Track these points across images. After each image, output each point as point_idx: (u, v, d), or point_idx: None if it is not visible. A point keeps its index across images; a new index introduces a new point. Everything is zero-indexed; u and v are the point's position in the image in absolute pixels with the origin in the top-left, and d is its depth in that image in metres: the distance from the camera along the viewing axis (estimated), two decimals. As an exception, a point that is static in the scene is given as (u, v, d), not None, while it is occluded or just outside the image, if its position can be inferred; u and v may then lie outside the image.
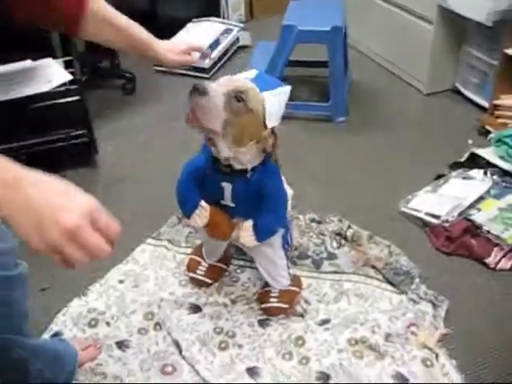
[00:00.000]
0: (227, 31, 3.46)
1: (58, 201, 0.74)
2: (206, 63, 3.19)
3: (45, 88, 2.25)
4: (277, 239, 1.72)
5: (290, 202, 1.81)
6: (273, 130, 1.50)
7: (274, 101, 1.45)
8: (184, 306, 1.85)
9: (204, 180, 1.61)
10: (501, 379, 1.61)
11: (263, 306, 1.83)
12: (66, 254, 0.73)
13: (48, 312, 1.84)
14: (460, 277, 1.95)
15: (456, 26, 2.79)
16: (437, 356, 1.65)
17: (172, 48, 1.58)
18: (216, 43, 3.33)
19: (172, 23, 3.56)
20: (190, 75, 3.25)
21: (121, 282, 1.95)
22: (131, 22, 1.48)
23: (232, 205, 1.62)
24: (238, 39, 3.50)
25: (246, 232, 1.62)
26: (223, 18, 3.77)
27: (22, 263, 1.24)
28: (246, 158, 1.50)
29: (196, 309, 1.84)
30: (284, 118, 2.78)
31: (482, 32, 2.70)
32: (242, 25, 3.61)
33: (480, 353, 1.69)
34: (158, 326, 1.78)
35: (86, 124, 2.41)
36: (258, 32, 3.69)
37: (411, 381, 1.60)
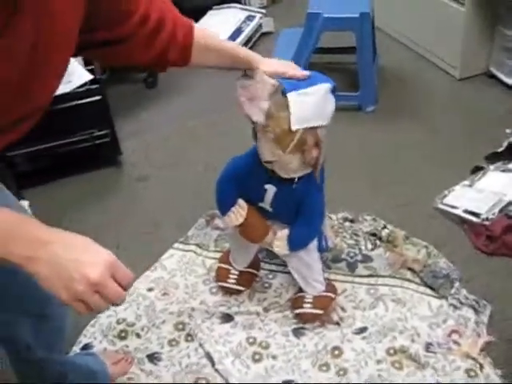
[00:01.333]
0: (249, 18, 3.35)
1: (82, 257, 0.80)
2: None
3: (65, 89, 2.19)
4: (312, 241, 1.66)
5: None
6: (318, 143, 1.41)
7: (308, 99, 1.36)
8: (215, 316, 1.80)
9: (247, 179, 1.58)
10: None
11: (297, 311, 1.77)
12: (90, 303, 0.80)
13: (77, 323, 1.81)
14: (502, 279, 1.85)
15: (489, 7, 2.64)
16: (481, 366, 1.58)
17: (272, 65, 1.46)
18: (238, 31, 3.22)
19: (192, 11, 3.43)
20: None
21: (150, 290, 1.91)
22: (230, 43, 1.51)
23: (270, 209, 1.59)
24: (260, 26, 3.38)
25: (280, 241, 1.60)
26: (244, 3, 3.66)
27: None
28: (289, 166, 1.45)
29: (228, 318, 1.79)
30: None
31: (518, 12, 2.56)
32: (264, 11, 3.49)
33: (527, 362, 1.61)
34: (189, 336, 1.74)
35: (109, 124, 2.35)
36: (281, 17, 3.57)
37: (454, 393, 1.54)
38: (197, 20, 3.41)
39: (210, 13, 3.46)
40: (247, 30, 3.24)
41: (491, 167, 2.19)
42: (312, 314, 1.74)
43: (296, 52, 2.62)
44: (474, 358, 1.60)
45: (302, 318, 1.76)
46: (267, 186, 1.54)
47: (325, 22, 2.47)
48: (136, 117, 2.83)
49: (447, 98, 2.81)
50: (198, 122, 2.75)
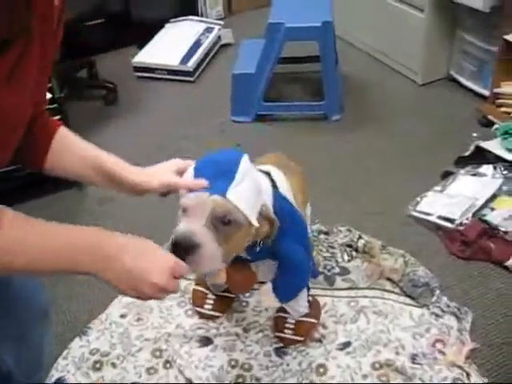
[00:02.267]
0: (208, 30, 3.30)
1: (146, 265, 0.95)
2: (190, 66, 3.04)
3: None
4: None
5: (308, 220, 1.71)
6: (265, 215, 1.25)
7: (241, 192, 1.15)
8: (194, 339, 1.73)
9: None
10: (538, 395, 1.53)
11: (277, 334, 1.71)
12: (154, 298, 1.00)
13: (47, 356, 1.71)
14: (480, 284, 1.85)
15: (448, 13, 2.68)
16: (468, 375, 1.56)
17: (153, 175, 1.24)
18: (197, 44, 3.18)
19: (148, 25, 3.39)
20: (173, 79, 3.10)
21: (123, 316, 1.82)
22: (96, 151, 1.20)
23: (248, 257, 1.42)
24: (219, 37, 3.35)
25: (265, 296, 1.59)
26: (201, 15, 3.61)
27: None
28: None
29: (207, 341, 1.72)
30: (278, 119, 2.72)
31: (476, 17, 2.59)
32: (222, 22, 3.45)
33: (512, 366, 1.60)
34: (167, 363, 1.66)
35: (70, 144, 2.25)
36: (239, 28, 3.55)
37: (443, 403, 1.51)
38: (154, 34, 3.35)
39: (167, 26, 3.40)
40: (206, 43, 3.20)
41: (461, 172, 2.20)
42: (292, 340, 1.69)
43: (259, 63, 2.59)
44: (460, 367, 1.58)
45: (282, 342, 1.71)
46: None
47: (287, 32, 2.45)
48: (96, 135, 2.73)
49: (411, 104, 2.82)
50: (160, 140, 2.68)
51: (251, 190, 1.19)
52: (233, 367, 1.65)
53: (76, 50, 3.16)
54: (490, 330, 1.70)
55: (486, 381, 1.55)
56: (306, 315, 1.67)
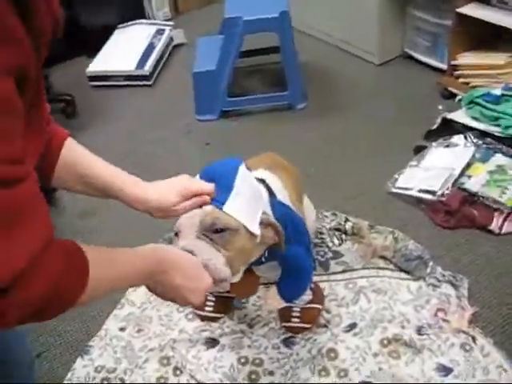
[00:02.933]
0: (159, 32, 3.25)
1: (191, 285, 1.00)
2: (146, 70, 2.99)
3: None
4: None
5: (314, 222, 1.72)
6: (266, 222, 1.24)
7: (238, 203, 1.15)
8: (200, 342, 1.71)
9: None
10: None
11: (285, 324, 1.72)
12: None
13: (51, 380, 1.66)
14: (469, 250, 1.91)
15: (398, -9, 2.73)
16: (473, 338, 1.61)
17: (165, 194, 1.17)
18: (151, 47, 3.12)
19: (96, 31, 3.31)
20: (130, 85, 3.04)
21: (122, 329, 1.79)
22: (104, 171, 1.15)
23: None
24: (172, 38, 3.30)
25: (272, 299, 1.53)
26: (148, 18, 3.55)
27: None
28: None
29: (213, 342, 1.71)
30: (243, 114, 2.71)
31: (425, -7, 2.66)
32: (172, 23, 3.41)
33: (513, 324, 1.66)
34: (177, 370, 1.64)
35: (40, 162, 2.18)
36: (189, 27, 3.50)
37: (455, 369, 1.55)
38: (103, 42, 3.28)
39: (117, 31, 3.33)
40: (160, 45, 3.15)
41: (434, 144, 2.25)
42: (300, 328, 1.70)
43: (219, 59, 2.57)
44: (465, 332, 1.62)
45: (291, 331, 1.71)
46: None
47: (246, 25, 2.44)
48: (61, 150, 2.66)
49: (372, 85, 2.86)
50: (127, 147, 2.62)
51: (248, 198, 1.18)
52: (243, 364, 1.64)
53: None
54: (486, 293, 1.76)
55: (491, 341, 1.60)
56: (310, 302, 1.68)
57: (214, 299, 1.77)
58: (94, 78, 3.05)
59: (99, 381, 1.63)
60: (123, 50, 3.12)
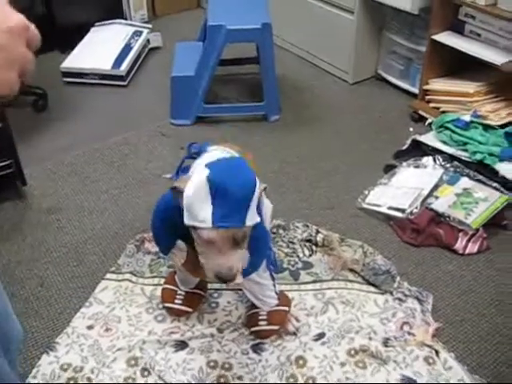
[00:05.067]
0: (136, 33, 3.25)
1: None
2: (122, 70, 2.97)
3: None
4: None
5: (269, 216, 1.74)
6: None
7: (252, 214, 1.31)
8: (168, 344, 1.70)
9: (180, 218, 1.42)
10: (501, 364, 1.65)
11: (252, 329, 1.73)
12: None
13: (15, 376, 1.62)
14: (433, 267, 1.97)
15: (375, 15, 2.82)
16: (437, 352, 1.66)
17: None
18: (128, 48, 3.11)
19: (72, 29, 3.28)
20: (105, 84, 3.02)
21: (90, 327, 1.76)
22: None
23: None
24: (148, 41, 3.30)
25: None
26: (125, 18, 3.54)
27: None
28: None
29: (182, 345, 1.70)
30: (217, 121, 2.73)
31: (401, 18, 2.75)
32: (150, 26, 3.40)
33: (474, 341, 1.72)
34: (145, 371, 1.63)
35: (12, 153, 2.14)
36: (164, 31, 3.51)
37: (418, 381, 1.60)
38: (78, 38, 3.25)
39: (93, 30, 3.30)
40: (137, 46, 3.14)
41: (403, 164, 2.32)
42: (268, 330, 1.72)
43: (199, 65, 2.58)
44: (429, 346, 1.68)
45: (259, 336, 1.73)
46: None
47: (228, 34, 2.47)
48: (31, 144, 2.61)
49: (345, 103, 2.92)
50: (99, 147, 2.60)
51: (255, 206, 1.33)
52: (213, 368, 1.64)
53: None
54: (449, 310, 1.82)
55: (452, 356, 1.66)
56: (276, 305, 1.71)
57: (183, 294, 1.77)
58: (68, 74, 3.01)
59: (65, 379, 1.60)
60: (99, 49, 3.09)
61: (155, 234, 1.59)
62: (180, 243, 1.53)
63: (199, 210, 1.24)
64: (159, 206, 1.55)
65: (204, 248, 1.30)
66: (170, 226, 1.51)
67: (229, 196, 1.23)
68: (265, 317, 1.71)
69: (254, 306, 1.73)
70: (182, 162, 1.53)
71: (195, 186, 1.24)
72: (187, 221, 1.28)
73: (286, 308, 1.73)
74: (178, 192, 1.30)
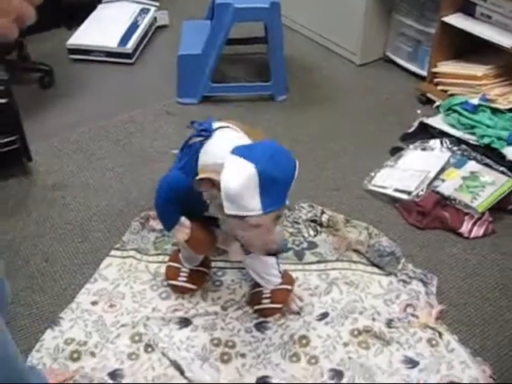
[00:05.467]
0: (143, 11, 3.22)
1: None
2: (128, 48, 2.95)
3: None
4: None
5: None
6: None
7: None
8: (172, 321, 1.71)
9: (185, 193, 1.49)
10: (504, 347, 1.66)
11: (256, 307, 1.74)
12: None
13: (19, 349, 1.63)
14: (438, 250, 1.97)
15: (385, -4, 2.79)
16: (440, 334, 1.66)
17: None
18: (135, 25, 3.09)
19: (79, 5, 3.25)
20: (111, 62, 3.00)
21: (94, 303, 1.77)
22: None
23: (217, 215, 1.51)
24: (155, 19, 3.27)
25: (235, 254, 1.57)
26: (133, -4, 3.51)
27: None
28: None
29: (186, 322, 1.71)
30: (224, 101, 2.72)
31: (411, 0, 2.71)
32: (157, 4, 3.37)
33: (478, 323, 1.73)
34: (149, 347, 1.64)
35: (17, 129, 2.14)
36: (172, 10, 3.47)
37: (421, 362, 1.60)
38: (84, 15, 3.22)
39: (100, 6, 3.27)
40: (143, 24, 3.12)
41: (410, 147, 2.31)
42: (271, 308, 1.72)
43: (206, 44, 2.56)
44: (432, 328, 1.68)
45: (262, 314, 1.74)
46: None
47: (236, 12, 2.44)
48: (37, 120, 2.60)
49: (352, 84, 2.90)
50: (105, 124, 2.59)
51: None
52: (216, 345, 1.65)
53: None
54: (453, 293, 1.82)
55: (456, 338, 1.66)
56: (279, 284, 1.72)
57: (188, 271, 1.78)
58: (75, 51, 2.99)
59: (69, 353, 1.62)
60: (106, 26, 3.07)
61: (159, 212, 1.59)
62: (184, 220, 1.54)
63: (248, 200, 1.26)
64: (162, 186, 1.54)
65: (251, 231, 1.33)
66: (173, 204, 1.52)
67: (277, 184, 1.28)
68: (268, 295, 1.72)
69: (257, 284, 1.74)
70: (189, 138, 1.53)
71: (243, 178, 1.25)
72: (232, 211, 1.29)
73: (289, 287, 1.74)
74: (207, 182, 1.31)
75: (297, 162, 1.35)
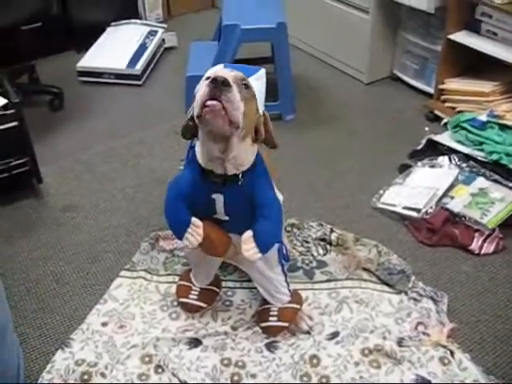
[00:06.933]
0: (151, 33, 3.27)
1: None
2: (137, 69, 2.99)
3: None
4: (272, 254, 1.63)
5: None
6: (265, 118, 1.49)
7: (259, 84, 1.41)
8: (182, 342, 1.71)
9: (193, 195, 1.53)
10: (516, 366, 1.64)
11: (262, 325, 1.74)
12: None
13: (29, 371, 1.64)
14: (449, 267, 1.96)
15: (391, 14, 2.81)
16: (452, 353, 1.65)
17: None
18: (143, 47, 3.13)
19: (89, 28, 3.30)
20: (120, 84, 3.04)
21: (104, 324, 1.77)
22: None
23: (225, 218, 1.55)
24: (163, 41, 3.32)
25: (248, 245, 1.50)
26: (141, 18, 3.56)
27: None
28: (242, 155, 1.45)
29: (196, 342, 1.71)
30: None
31: (417, 18, 2.73)
32: (165, 25, 3.42)
33: (490, 341, 1.71)
34: (159, 368, 1.63)
35: (28, 151, 2.16)
36: (179, 31, 3.52)
37: (433, 381, 1.59)
38: (94, 38, 3.27)
39: (109, 30, 3.32)
40: (152, 46, 3.16)
41: (419, 164, 2.31)
42: (278, 326, 1.72)
43: (213, 65, 2.58)
44: (443, 346, 1.66)
45: (268, 332, 1.73)
46: (214, 196, 1.50)
47: (243, 33, 2.47)
48: (48, 142, 2.63)
49: (360, 103, 2.92)
50: (114, 145, 2.62)
51: (260, 90, 1.41)
52: (226, 366, 1.64)
53: (14, 56, 3.03)
54: (465, 310, 1.80)
55: (468, 357, 1.64)
56: (288, 302, 1.72)
57: (198, 290, 1.79)
58: (84, 73, 3.04)
59: (79, 374, 1.61)
60: (115, 48, 3.12)
61: (169, 215, 1.57)
62: (195, 220, 1.53)
63: None
64: (170, 187, 1.58)
65: None
66: (182, 204, 1.53)
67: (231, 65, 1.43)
68: (275, 313, 1.72)
69: (266, 301, 1.74)
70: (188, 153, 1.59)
71: None
72: None
73: (298, 306, 1.74)
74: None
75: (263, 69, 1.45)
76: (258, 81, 1.41)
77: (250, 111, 1.35)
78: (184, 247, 1.79)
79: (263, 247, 1.52)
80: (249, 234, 1.51)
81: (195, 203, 1.53)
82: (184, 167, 1.61)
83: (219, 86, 1.27)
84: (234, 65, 1.44)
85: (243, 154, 1.44)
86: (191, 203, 1.53)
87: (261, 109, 1.43)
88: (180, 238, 1.56)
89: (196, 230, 1.53)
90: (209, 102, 1.29)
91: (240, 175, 1.47)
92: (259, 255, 1.52)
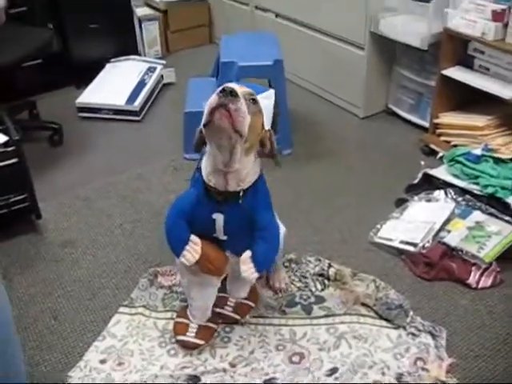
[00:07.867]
0: (150, 70, 3.32)
1: None
2: (136, 105, 3.04)
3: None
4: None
5: (282, 240, 1.81)
6: (270, 134, 1.58)
7: (266, 102, 1.52)
8: (181, 379, 1.70)
9: (193, 214, 1.59)
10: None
11: (217, 310, 1.85)
12: None
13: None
14: (447, 301, 1.96)
15: (386, 50, 2.87)
16: (451, 389, 1.64)
17: None
18: (142, 83, 3.18)
19: (88, 64, 3.36)
20: (119, 119, 3.08)
21: (102, 361, 1.76)
22: None
23: (224, 238, 1.61)
24: (162, 77, 3.37)
25: (246, 265, 1.58)
26: (139, 55, 3.63)
27: None
28: (245, 170, 1.52)
29: (195, 379, 1.70)
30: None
31: (411, 54, 2.79)
32: (164, 62, 3.48)
33: (489, 376, 1.70)
34: (157, 406, 1.63)
35: (27, 187, 2.18)
36: (177, 67, 3.58)
37: (433, 418, 1.58)
38: (93, 74, 3.32)
39: (109, 66, 3.38)
40: (151, 82, 3.21)
41: (415, 198, 2.33)
42: (231, 317, 1.86)
43: (211, 101, 2.63)
44: (443, 382, 1.66)
45: (221, 318, 1.86)
46: (215, 216, 1.57)
47: (240, 70, 2.52)
48: (46, 178, 2.65)
49: (355, 137, 2.96)
50: (113, 181, 2.64)
51: (267, 107, 1.52)
52: (225, 403, 1.64)
53: (14, 92, 3.08)
54: (463, 345, 1.80)
55: (468, 393, 1.64)
56: (245, 298, 1.84)
57: (196, 327, 1.79)
58: (83, 109, 3.08)
59: (77, 413, 1.61)
60: (114, 84, 3.17)
61: (168, 230, 1.62)
62: (193, 237, 1.59)
63: None
64: (174, 204, 1.64)
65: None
66: (183, 221, 1.59)
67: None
68: (232, 304, 1.87)
69: (224, 289, 1.85)
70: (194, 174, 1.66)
71: None
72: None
73: (252, 304, 1.90)
74: None
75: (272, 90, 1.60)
76: (266, 99, 1.52)
77: (255, 125, 1.44)
78: (182, 277, 1.80)
79: (260, 267, 1.62)
80: (248, 254, 1.59)
81: (196, 222, 1.59)
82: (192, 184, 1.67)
83: (227, 95, 1.35)
84: (245, 83, 1.52)
85: (245, 168, 1.51)
86: (192, 221, 1.60)
87: (267, 125, 1.53)
88: (178, 254, 1.62)
89: (194, 247, 1.59)
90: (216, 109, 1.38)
91: (241, 193, 1.53)
92: (256, 275, 1.61)
